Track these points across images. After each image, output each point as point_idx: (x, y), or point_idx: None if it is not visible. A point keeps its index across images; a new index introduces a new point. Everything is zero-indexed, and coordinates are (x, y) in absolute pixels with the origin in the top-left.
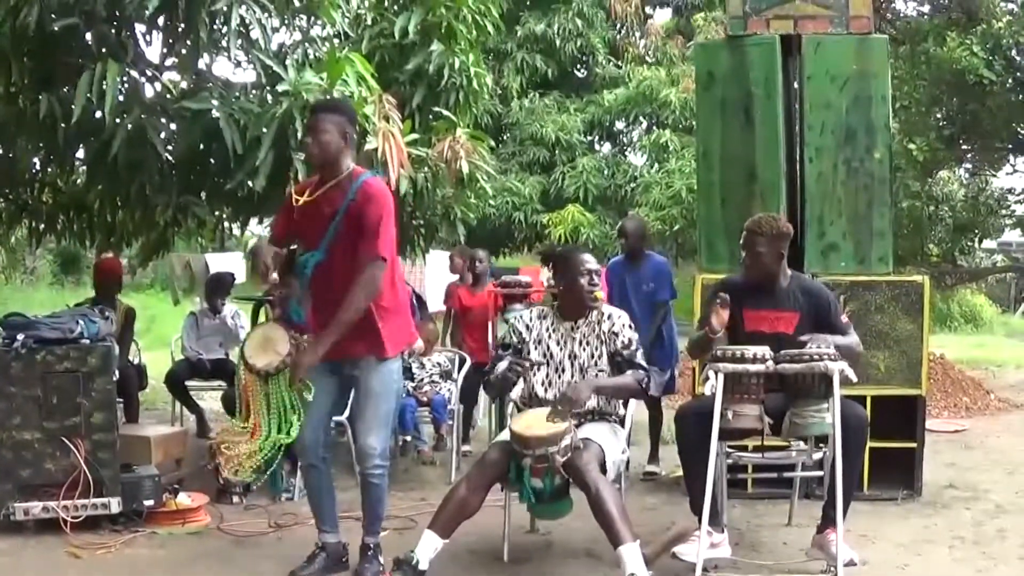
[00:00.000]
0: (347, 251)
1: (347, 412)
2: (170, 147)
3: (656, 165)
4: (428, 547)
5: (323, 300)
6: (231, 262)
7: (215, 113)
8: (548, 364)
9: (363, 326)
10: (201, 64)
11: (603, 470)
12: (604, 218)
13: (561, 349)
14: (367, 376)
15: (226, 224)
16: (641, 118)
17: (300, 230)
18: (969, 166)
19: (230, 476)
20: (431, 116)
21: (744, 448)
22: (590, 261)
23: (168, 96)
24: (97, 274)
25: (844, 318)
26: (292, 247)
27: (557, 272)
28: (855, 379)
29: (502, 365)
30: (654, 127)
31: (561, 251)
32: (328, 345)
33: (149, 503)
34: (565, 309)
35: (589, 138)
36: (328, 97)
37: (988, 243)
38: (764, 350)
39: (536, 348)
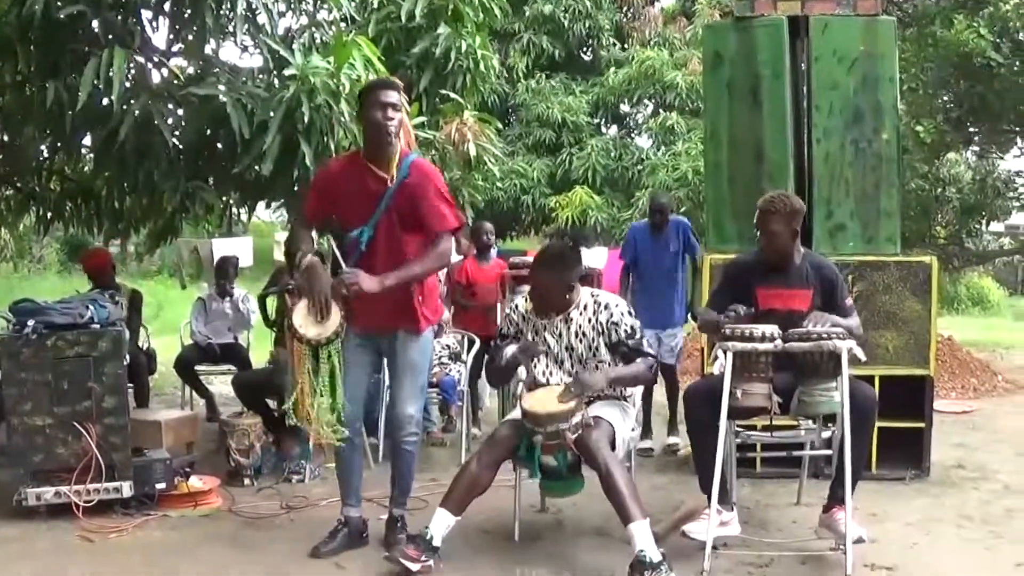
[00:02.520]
0: (393, 228)
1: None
2: (177, 133)
3: (663, 148)
4: (441, 524)
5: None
6: (238, 247)
7: (222, 98)
8: (547, 356)
9: (404, 300)
10: (208, 50)
11: (612, 448)
12: (611, 200)
13: (557, 342)
14: (406, 348)
15: (233, 209)
16: (647, 100)
17: (343, 207)
18: (977, 148)
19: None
20: (438, 99)
21: (753, 427)
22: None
23: (175, 82)
24: (87, 268)
25: (849, 301)
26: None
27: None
28: (864, 358)
29: (511, 349)
30: (660, 110)
31: None
32: (392, 283)
33: (161, 486)
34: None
35: (596, 120)
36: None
37: (996, 226)
38: (773, 329)
39: (534, 339)
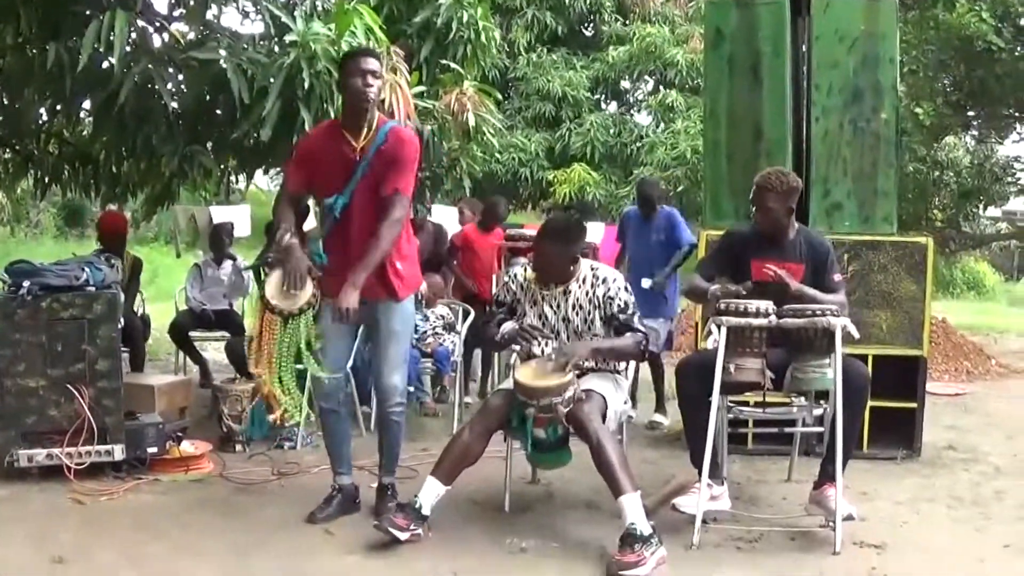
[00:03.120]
0: (369, 195)
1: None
2: (177, 97)
3: (662, 125)
4: (431, 493)
5: (344, 242)
6: (236, 215)
7: (223, 63)
8: (544, 327)
9: (380, 269)
10: (209, 15)
11: (604, 420)
12: (610, 177)
13: (555, 312)
14: (388, 317)
15: (231, 176)
16: (647, 77)
17: (320, 175)
18: (976, 133)
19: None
20: (439, 69)
21: (745, 403)
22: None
23: (176, 46)
24: (102, 228)
25: (837, 277)
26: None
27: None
28: (857, 335)
29: (508, 326)
30: (660, 87)
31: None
32: (363, 282)
33: (152, 450)
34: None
35: (596, 96)
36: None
37: (992, 211)
38: (767, 304)
39: (531, 309)
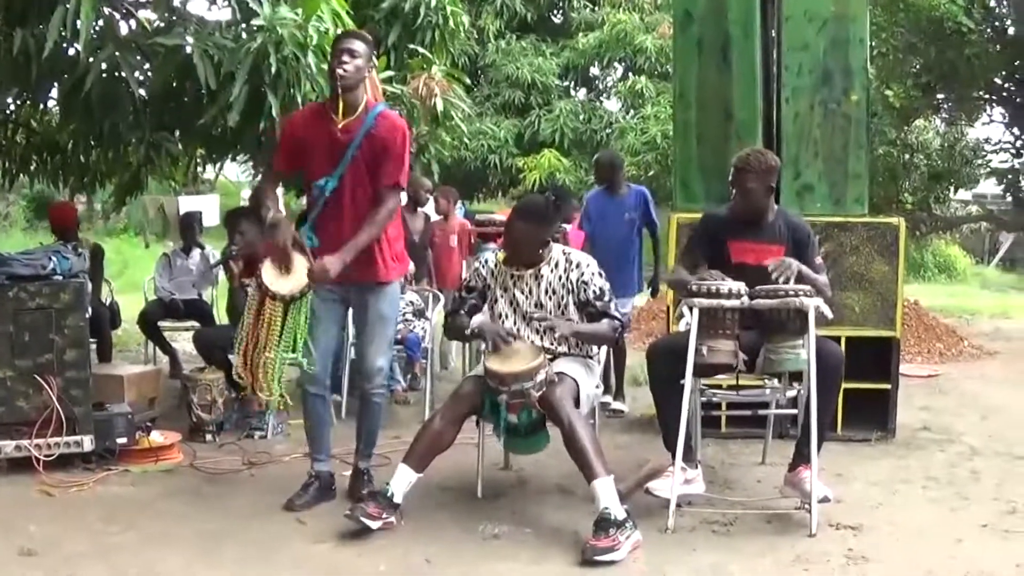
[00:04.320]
0: (359, 178)
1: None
2: (144, 84)
3: (631, 111)
4: (402, 480)
5: (335, 224)
6: (205, 205)
7: (189, 49)
8: (515, 312)
9: (370, 252)
10: (176, 2)
11: (576, 405)
12: (579, 163)
13: (526, 298)
14: (376, 300)
15: (200, 164)
16: (616, 63)
17: (309, 157)
18: (946, 115)
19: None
20: (407, 54)
21: (718, 386)
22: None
23: (143, 33)
24: (51, 220)
25: (819, 259)
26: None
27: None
28: (831, 316)
29: (479, 319)
30: (629, 73)
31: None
32: (351, 257)
33: (122, 441)
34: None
35: (565, 83)
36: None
37: (963, 195)
38: (739, 285)
39: (503, 295)
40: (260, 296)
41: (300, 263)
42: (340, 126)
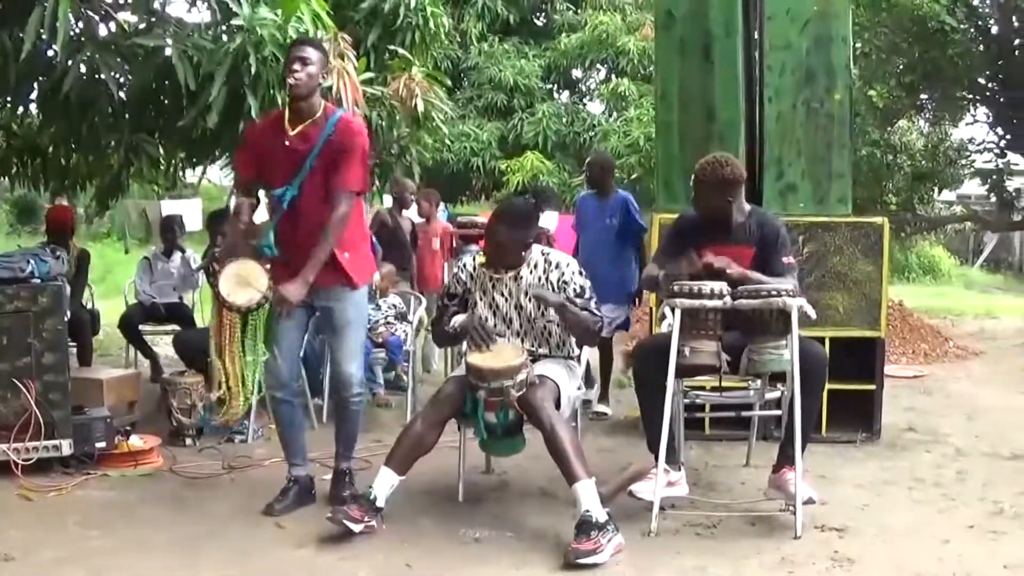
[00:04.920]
0: (319, 186)
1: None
2: (123, 84)
3: (614, 114)
4: (385, 483)
5: (293, 234)
6: (187, 209)
7: (168, 50)
8: (495, 315)
9: (331, 259)
10: (155, 4)
11: (557, 407)
12: (563, 165)
13: (507, 300)
14: (343, 306)
15: (180, 167)
16: (599, 65)
17: (269, 166)
18: (929, 115)
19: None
20: (387, 55)
21: (702, 387)
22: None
23: (122, 34)
24: (48, 221)
25: (787, 259)
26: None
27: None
28: (814, 316)
29: (460, 318)
30: (613, 75)
31: None
32: (312, 276)
33: (101, 445)
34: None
35: (548, 85)
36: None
37: (947, 195)
38: (722, 285)
39: (482, 298)
40: (218, 305)
41: (259, 273)
42: (295, 134)
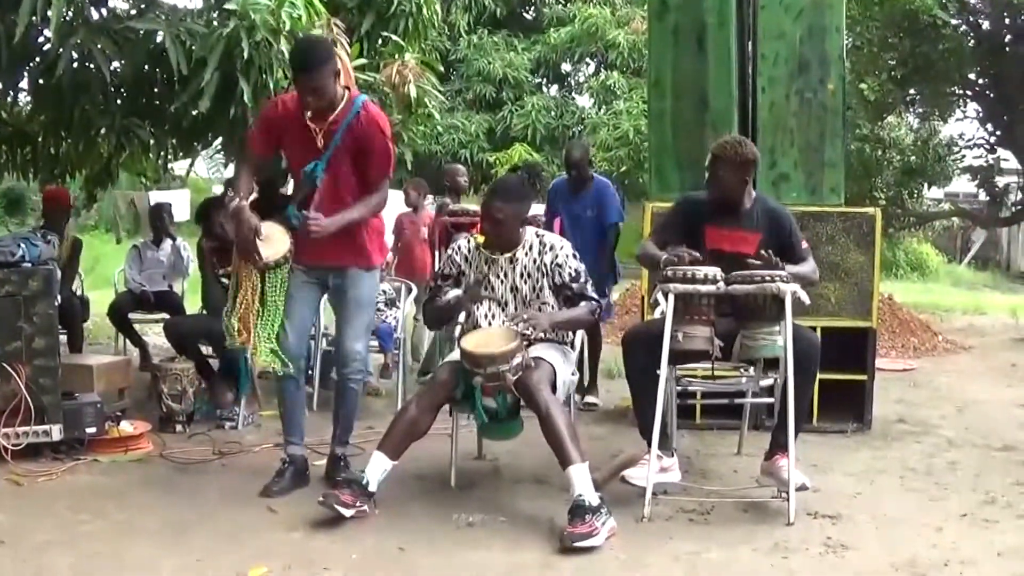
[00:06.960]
0: (341, 165)
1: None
2: (116, 68)
3: (603, 107)
4: (377, 468)
5: (318, 208)
6: (176, 199)
7: (160, 34)
8: (491, 298)
9: (351, 236)
10: None
11: (553, 390)
12: (551, 158)
13: (502, 282)
14: (356, 285)
15: (171, 154)
16: (588, 59)
17: (290, 143)
18: (919, 111)
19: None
20: (380, 42)
21: (694, 375)
22: None
23: (115, 18)
24: (44, 201)
25: (805, 244)
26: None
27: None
28: (808, 301)
29: (454, 293)
30: (602, 68)
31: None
32: (343, 224)
33: (91, 431)
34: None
35: (537, 78)
36: (304, 37)
37: (936, 193)
38: (715, 271)
39: (478, 281)
40: (239, 259)
41: (283, 235)
42: (325, 118)
